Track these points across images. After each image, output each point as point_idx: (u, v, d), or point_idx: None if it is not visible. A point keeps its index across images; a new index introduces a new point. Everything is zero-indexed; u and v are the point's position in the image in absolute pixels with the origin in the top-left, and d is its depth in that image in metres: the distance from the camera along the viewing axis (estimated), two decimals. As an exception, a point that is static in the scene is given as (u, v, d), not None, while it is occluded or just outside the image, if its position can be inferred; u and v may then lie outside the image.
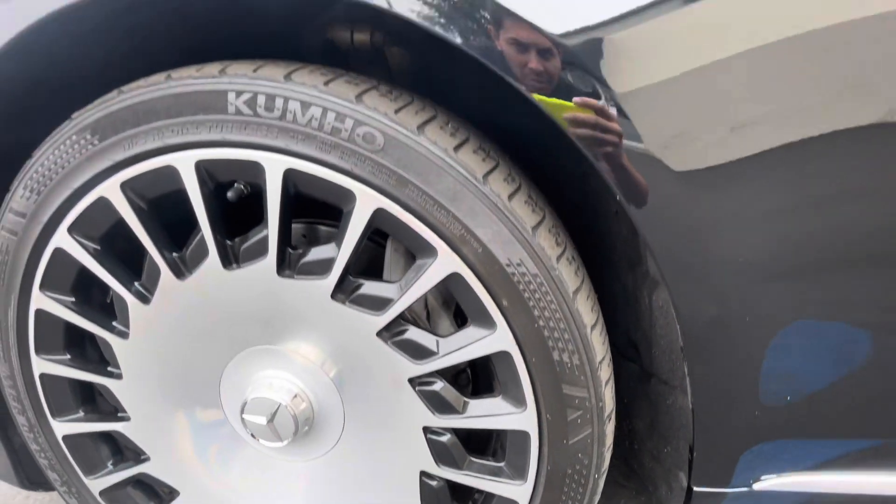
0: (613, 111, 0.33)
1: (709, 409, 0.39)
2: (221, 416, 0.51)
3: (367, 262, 0.50)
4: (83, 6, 0.37)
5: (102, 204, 0.42)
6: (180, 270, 0.44)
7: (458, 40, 0.34)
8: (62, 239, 0.44)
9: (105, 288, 0.50)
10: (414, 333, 0.42)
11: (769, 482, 0.43)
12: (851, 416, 0.42)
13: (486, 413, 0.43)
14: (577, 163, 0.47)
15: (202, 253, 0.43)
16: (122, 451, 0.56)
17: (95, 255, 0.45)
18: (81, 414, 0.53)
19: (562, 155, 0.50)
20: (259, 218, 0.42)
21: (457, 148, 0.37)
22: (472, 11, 0.34)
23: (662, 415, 0.48)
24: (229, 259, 0.43)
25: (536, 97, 0.34)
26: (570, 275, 0.39)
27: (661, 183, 0.35)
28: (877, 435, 0.42)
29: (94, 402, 0.55)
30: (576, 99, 0.34)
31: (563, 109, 0.35)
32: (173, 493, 0.55)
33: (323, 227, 0.51)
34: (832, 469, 0.43)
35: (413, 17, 0.33)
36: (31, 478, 0.61)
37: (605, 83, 0.33)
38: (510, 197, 0.37)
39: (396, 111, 0.37)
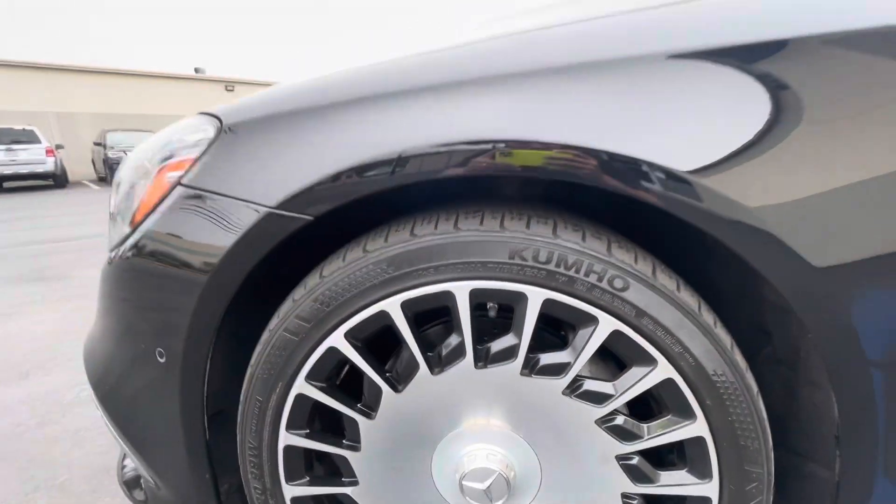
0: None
1: (856, 483, 0.52)
2: (430, 477, 0.61)
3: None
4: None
5: (381, 315, 0.54)
6: (434, 369, 0.55)
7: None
8: (337, 340, 0.55)
9: (351, 375, 0.61)
10: (625, 422, 0.54)
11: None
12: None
13: (677, 483, 0.55)
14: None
15: (458, 354, 0.54)
16: (330, 509, 0.66)
17: (360, 351, 0.56)
18: (307, 479, 0.63)
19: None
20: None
21: (678, 288, 0.50)
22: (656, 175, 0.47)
23: (795, 482, 0.61)
24: (480, 360, 0.54)
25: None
26: (753, 381, 0.52)
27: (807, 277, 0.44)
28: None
29: (313, 469, 0.65)
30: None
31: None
32: (381, 546, 0.64)
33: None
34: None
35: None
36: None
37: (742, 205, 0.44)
38: (714, 323, 0.51)
39: (634, 262, 0.50)
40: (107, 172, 13.09)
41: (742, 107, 0.45)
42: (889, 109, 0.43)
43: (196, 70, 20.00)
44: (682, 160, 0.45)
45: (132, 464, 0.84)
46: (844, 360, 0.48)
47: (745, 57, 0.45)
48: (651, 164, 0.45)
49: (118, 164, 12.74)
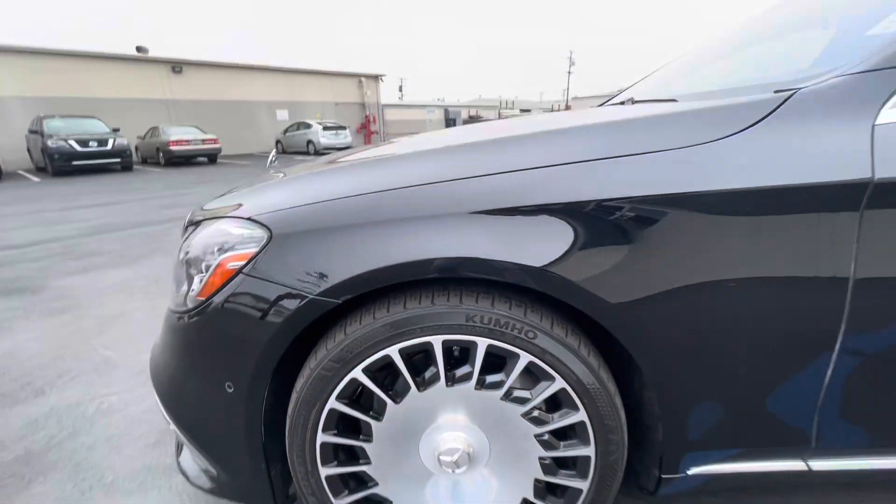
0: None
1: (677, 444, 0.88)
2: (418, 456, 0.93)
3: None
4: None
5: (385, 357, 0.84)
6: (420, 387, 0.87)
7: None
8: (357, 373, 0.85)
9: (364, 394, 0.92)
10: (539, 414, 0.88)
11: (695, 469, 0.93)
12: (730, 435, 0.92)
13: (569, 449, 0.90)
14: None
15: (435, 379, 0.86)
16: (350, 481, 0.96)
17: (372, 379, 0.86)
18: (335, 462, 0.93)
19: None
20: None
21: (566, 334, 0.83)
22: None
23: (645, 442, 0.97)
24: (449, 381, 0.86)
25: None
26: (613, 386, 0.87)
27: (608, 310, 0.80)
28: (741, 445, 0.93)
29: (339, 456, 0.95)
30: None
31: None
32: (386, 503, 0.96)
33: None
34: (725, 462, 0.94)
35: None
36: (280, 500, 1.00)
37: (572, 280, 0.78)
38: (588, 354, 0.84)
39: (549, 326, 0.83)
40: (46, 162, 12.25)
41: (561, 233, 0.77)
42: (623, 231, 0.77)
43: (138, 49, 18.73)
44: (534, 260, 0.77)
45: (188, 458, 1.11)
46: (649, 365, 0.83)
47: (552, 210, 0.78)
48: (520, 265, 0.77)
49: (59, 153, 11.97)
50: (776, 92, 0.85)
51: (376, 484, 0.94)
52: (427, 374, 0.87)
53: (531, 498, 0.94)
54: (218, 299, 0.87)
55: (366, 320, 0.84)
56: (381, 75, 26.48)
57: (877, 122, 0.76)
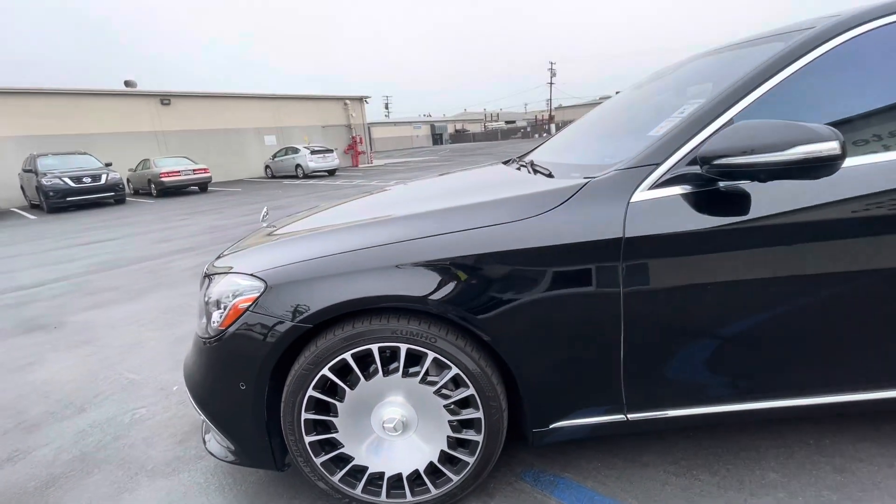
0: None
1: (538, 408, 1.35)
2: (370, 425, 1.40)
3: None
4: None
5: (343, 360, 1.32)
6: (367, 378, 1.34)
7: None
8: (325, 371, 1.32)
9: (332, 385, 1.39)
10: (444, 391, 1.35)
11: (555, 424, 1.41)
12: (574, 401, 1.40)
13: (467, 414, 1.37)
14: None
15: (376, 372, 1.33)
16: (325, 445, 1.43)
17: (335, 373, 1.33)
18: (315, 433, 1.40)
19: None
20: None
21: (456, 339, 1.32)
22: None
23: (523, 408, 1.45)
24: (385, 373, 1.34)
25: None
26: (490, 370, 1.35)
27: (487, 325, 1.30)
28: (583, 406, 1.40)
29: (316, 428, 1.41)
30: None
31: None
32: (350, 459, 1.42)
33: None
34: (576, 419, 1.41)
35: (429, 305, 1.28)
36: (280, 464, 1.46)
37: (461, 303, 1.28)
38: (474, 352, 1.33)
39: (444, 334, 1.31)
40: (41, 200, 12.62)
41: (448, 277, 1.26)
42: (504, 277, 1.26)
43: (126, 83, 19.27)
44: (432, 295, 1.26)
45: (212, 440, 1.57)
46: (509, 357, 1.31)
47: (458, 263, 1.27)
48: (423, 297, 1.26)
49: (54, 191, 12.35)
50: (584, 178, 1.36)
51: (343, 445, 1.41)
52: (370, 369, 1.35)
53: (446, 449, 1.41)
54: (233, 328, 1.35)
55: (329, 336, 1.31)
56: (365, 97, 27.24)
57: (631, 200, 1.27)
